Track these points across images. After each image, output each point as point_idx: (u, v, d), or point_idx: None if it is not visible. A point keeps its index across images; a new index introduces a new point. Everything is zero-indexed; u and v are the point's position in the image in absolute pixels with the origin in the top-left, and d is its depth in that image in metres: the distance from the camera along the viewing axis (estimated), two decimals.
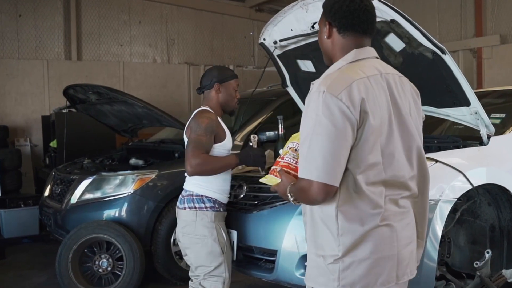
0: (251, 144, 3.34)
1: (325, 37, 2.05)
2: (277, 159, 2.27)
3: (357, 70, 1.92)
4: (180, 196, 3.24)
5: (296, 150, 2.21)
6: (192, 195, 3.16)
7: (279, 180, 2.15)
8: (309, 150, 1.83)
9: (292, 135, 2.32)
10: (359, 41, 2.00)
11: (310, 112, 1.85)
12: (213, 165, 3.07)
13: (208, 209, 3.14)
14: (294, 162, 2.18)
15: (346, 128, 1.81)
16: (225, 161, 3.14)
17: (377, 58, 2.04)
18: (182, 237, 3.19)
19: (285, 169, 2.17)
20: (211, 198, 3.16)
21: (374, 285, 1.88)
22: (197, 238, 3.13)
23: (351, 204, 1.87)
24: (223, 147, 3.18)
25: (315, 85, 1.89)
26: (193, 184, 3.17)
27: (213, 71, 3.35)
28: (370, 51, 2.03)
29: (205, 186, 3.16)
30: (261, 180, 2.37)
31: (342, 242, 1.87)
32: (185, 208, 3.16)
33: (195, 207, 3.13)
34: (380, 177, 1.88)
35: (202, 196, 3.15)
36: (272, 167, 2.27)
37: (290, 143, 2.28)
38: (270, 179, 2.25)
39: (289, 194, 2.03)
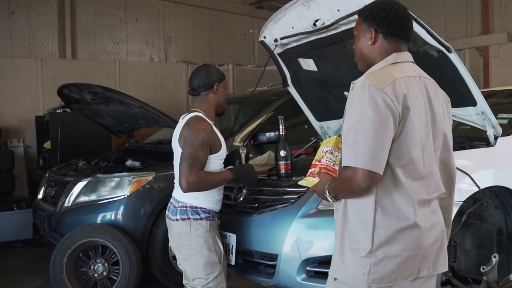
0: (240, 154, 3.32)
1: (369, 43, 2.19)
2: (314, 162, 2.40)
3: (398, 70, 2.10)
4: (171, 206, 3.21)
5: (332, 153, 2.37)
6: (186, 207, 3.12)
7: (317, 181, 2.29)
8: (355, 139, 1.97)
9: (324, 141, 2.49)
10: (399, 46, 2.20)
11: (355, 105, 2.01)
12: (209, 183, 3.07)
13: (203, 219, 3.11)
14: (332, 164, 2.33)
15: (389, 119, 1.97)
16: (221, 177, 3.13)
17: (412, 62, 2.22)
18: (179, 248, 3.17)
19: (324, 171, 2.31)
20: (206, 209, 3.13)
21: (400, 279, 2.03)
22: (192, 249, 3.10)
23: (390, 198, 2.02)
24: (219, 157, 3.15)
25: (358, 82, 2.05)
26: (187, 196, 3.12)
27: (210, 69, 3.26)
28: (408, 56, 2.22)
29: (199, 198, 3.12)
30: (299, 182, 2.48)
31: (377, 236, 2.01)
32: (177, 220, 3.13)
33: (188, 218, 3.10)
34: (419, 173, 2.04)
35: (196, 207, 3.11)
36: (310, 170, 2.39)
37: (324, 147, 2.42)
38: (308, 181, 2.37)
39: (327, 192, 2.16)
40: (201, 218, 3.10)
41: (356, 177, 1.96)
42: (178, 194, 3.17)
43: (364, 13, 2.24)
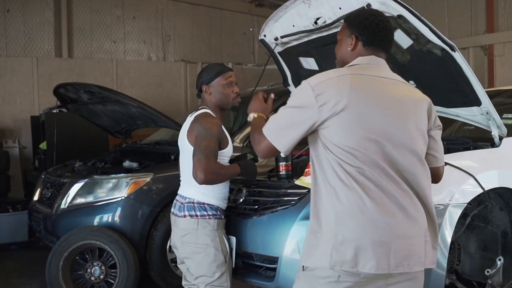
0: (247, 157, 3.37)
1: (348, 49, 2.31)
2: (310, 163, 2.46)
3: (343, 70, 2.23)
4: (177, 203, 3.22)
5: None
6: (193, 203, 3.13)
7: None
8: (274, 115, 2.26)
9: None
10: (377, 54, 2.29)
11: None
12: (223, 175, 3.12)
13: (211, 216, 3.13)
14: None
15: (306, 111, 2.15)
16: (232, 171, 3.18)
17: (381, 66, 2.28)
18: (181, 246, 3.16)
19: None
20: (213, 205, 3.15)
21: (363, 268, 2.04)
22: (198, 247, 3.11)
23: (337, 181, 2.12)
24: (225, 155, 3.18)
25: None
26: (195, 192, 3.14)
27: (200, 72, 3.33)
28: (373, 60, 2.28)
29: (207, 193, 3.14)
30: (296, 182, 2.67)
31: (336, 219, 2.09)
32: (185, 216, 3.12)
33: (196, 215, 3.11)
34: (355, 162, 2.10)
35: (204, 203, 3.13)
36: (306, 170, 2.56)
37: None
38: (303, 182, 2.52)
39: (253, 114, 2.60)
40: (208, 216, 3.12)
41: (261, 144, 2.21)
42: (184, 190, 3.20)
43: (349, 20, 2.36)
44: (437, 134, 2.32)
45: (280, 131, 2.19)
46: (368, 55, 2.27)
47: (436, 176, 2.36)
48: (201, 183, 3.02)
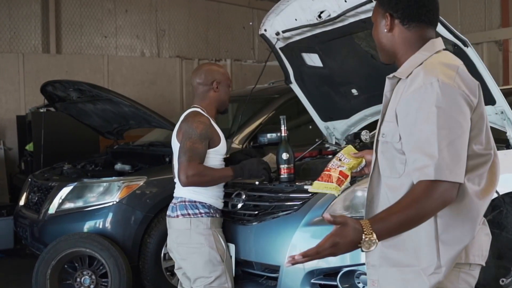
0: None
1: (385, 30, 2.04)
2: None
3: (452, 57, 1.99)
4: (171, 205, 3.33)
5: (340, 159, 2.53)
6: (185, 201, 3.23)
7: (328, 184, 2.49)
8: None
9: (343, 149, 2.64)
10: (425, 33, 2.02)
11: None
12: (209, 177, 3.20)
13: (203, 214, 3.22)
14: (336, 166, 2.55)
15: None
16: (221, 174, 3.27)
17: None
18: (177, 247, 3.26)
19: (326, 172, 2.46)
20: (205, 203, 3.25)
21: None
22: (192, 247, 3.20)
23: None
24: (217, 153, 3.28)
25: (416, 79, 1.88)
26: (186, 190, 3.24)
27: (211, 66, 3.49)
28: (442, 43, 2.05)
29: (198, 192, 3.24)
30: (309, 189, 2.65)
31: None
32: (177, 216, 3.23)
33: (188, 214, 3.21)
34: None
35: (195, 202, 3.23)
36: (325, 172, 2.61)
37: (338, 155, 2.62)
38: (317, 186, 2.59)
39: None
40: (200, 214, 3.21)
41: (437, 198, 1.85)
42: (177, 191, 3.33)
43: None
44: None
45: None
46: (412, 35, 2.00)
47: None
48: (184, 185, 3.15)
